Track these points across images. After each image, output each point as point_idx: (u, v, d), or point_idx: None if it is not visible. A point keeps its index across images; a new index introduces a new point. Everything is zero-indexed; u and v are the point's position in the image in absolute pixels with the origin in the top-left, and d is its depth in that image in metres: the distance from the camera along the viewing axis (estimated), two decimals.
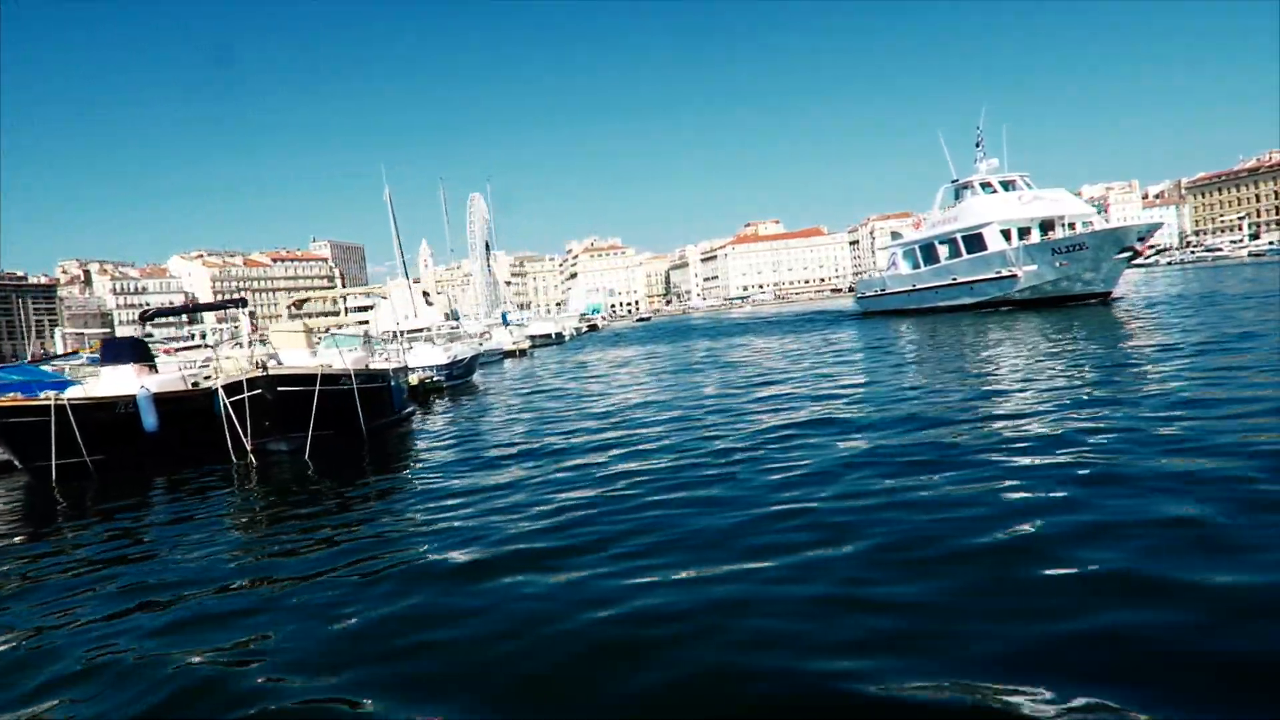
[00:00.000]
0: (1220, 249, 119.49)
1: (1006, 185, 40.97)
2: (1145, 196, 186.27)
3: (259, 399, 12.89)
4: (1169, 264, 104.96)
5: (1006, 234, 38.36)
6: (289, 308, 28.63)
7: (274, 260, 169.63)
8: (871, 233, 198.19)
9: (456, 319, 63.86)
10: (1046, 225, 37.84)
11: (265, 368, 13.17)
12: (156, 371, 16.68)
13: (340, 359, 14.94)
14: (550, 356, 43.00)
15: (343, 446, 13.53)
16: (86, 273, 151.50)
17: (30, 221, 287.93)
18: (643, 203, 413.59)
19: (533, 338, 61.24)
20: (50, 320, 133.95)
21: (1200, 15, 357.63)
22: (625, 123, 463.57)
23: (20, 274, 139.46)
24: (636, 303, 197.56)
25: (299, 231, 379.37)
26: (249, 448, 12.88)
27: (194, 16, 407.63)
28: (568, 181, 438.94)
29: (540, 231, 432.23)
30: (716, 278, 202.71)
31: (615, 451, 10.70)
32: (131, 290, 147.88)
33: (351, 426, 14.04)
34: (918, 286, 45.98)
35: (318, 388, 13.07)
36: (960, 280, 41.07)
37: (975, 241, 39.80)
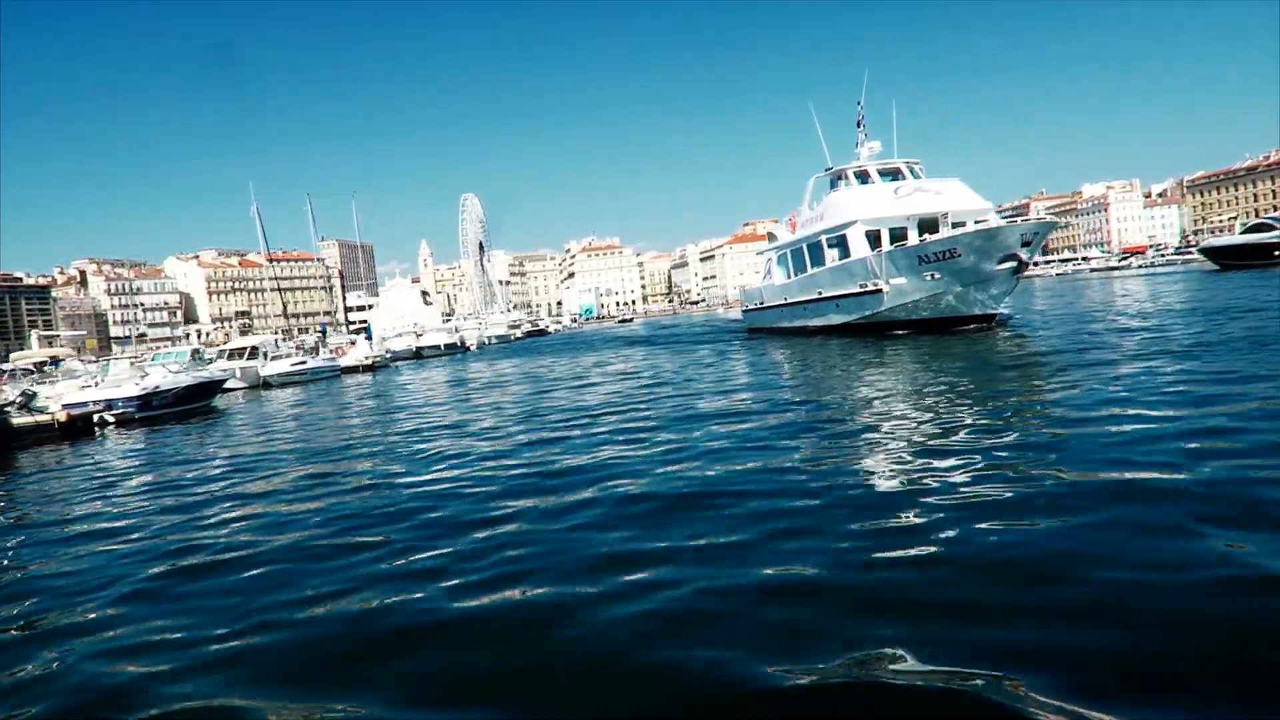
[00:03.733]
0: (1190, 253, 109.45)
1: (887, 175, 32.00)
2: (1148, 195, 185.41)
3: None
4: (1140, 267, 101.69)
5: (874, 237, 29.68)
6: None
7: (270, 261, 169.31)
8: None
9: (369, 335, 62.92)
10: (927, 226, 28.63)
11: None
12: None
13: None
14: (415, 372, 38.64)
15: None
16: (82, 273, 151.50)
17: (32, 223, 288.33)
18: (650, 202, 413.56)
19: (420, 349, 57.97)
20: (45, 321, 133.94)
21: (1207, 13, 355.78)
22: (628, 122, 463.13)
23: (17, 275, 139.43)
24: (633, 302, 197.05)
25: (305, 231, 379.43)
26: None
27: (194, 16, 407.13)
28: (572, 180, 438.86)
29: (544, 230, 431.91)
30: (715, 277, 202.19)
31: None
32: (126, 291, 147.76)
33: None
34: (789, 300, 37.31)
35: None
36: (826, 294, 32.68)
37: (840, 246, 31.60)
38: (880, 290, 28.32)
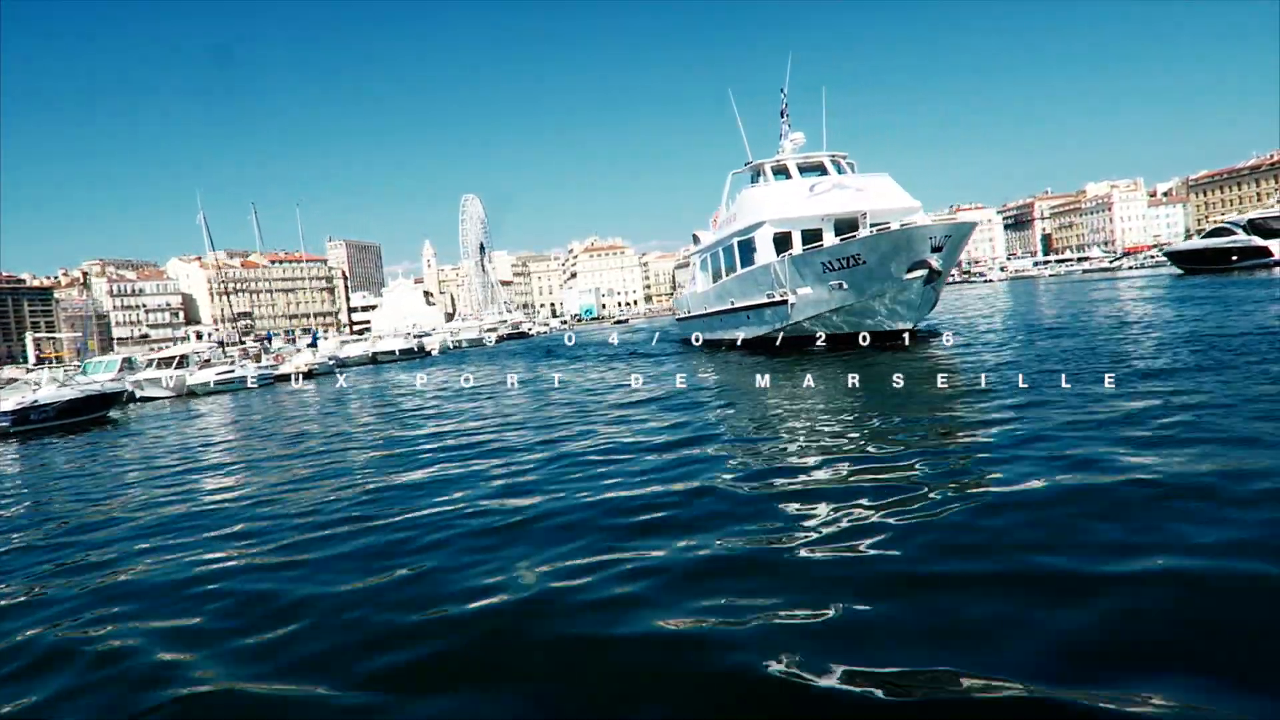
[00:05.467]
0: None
1: (810, 170, 28.48)
2: (1153, 194, 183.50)
3: None
4: (1131, 269, 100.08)
5: (784, 240, 26.25)
6: None
7: (272, 262, 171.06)
8: None
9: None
10: (845, 227, 25.19)
11: None
12: None
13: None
14: (347, 381, 35.69)
15: None
16: (85, 275, 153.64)
17: (40, 226, 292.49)
18: (654, 201, 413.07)
19: (376, 355, 58.47)
20: (47, 323, 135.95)
21: (1214, 11, 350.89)
22: (631, 122, 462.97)
23: (20, 277, 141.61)
24: (635, 302, 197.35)
25: (313, 232, 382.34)
26: None
27: (197, 16, 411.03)
28: (576, 180, 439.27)
29: (549, 230, 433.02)
30: None
31: None
32: (128, 292, 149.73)
33: None
34: (708, 310, 33.36)
35: None
36: (738, 305, 29.23)
37: (748, 250, 28.20)
38: (787, 301, 25.00)
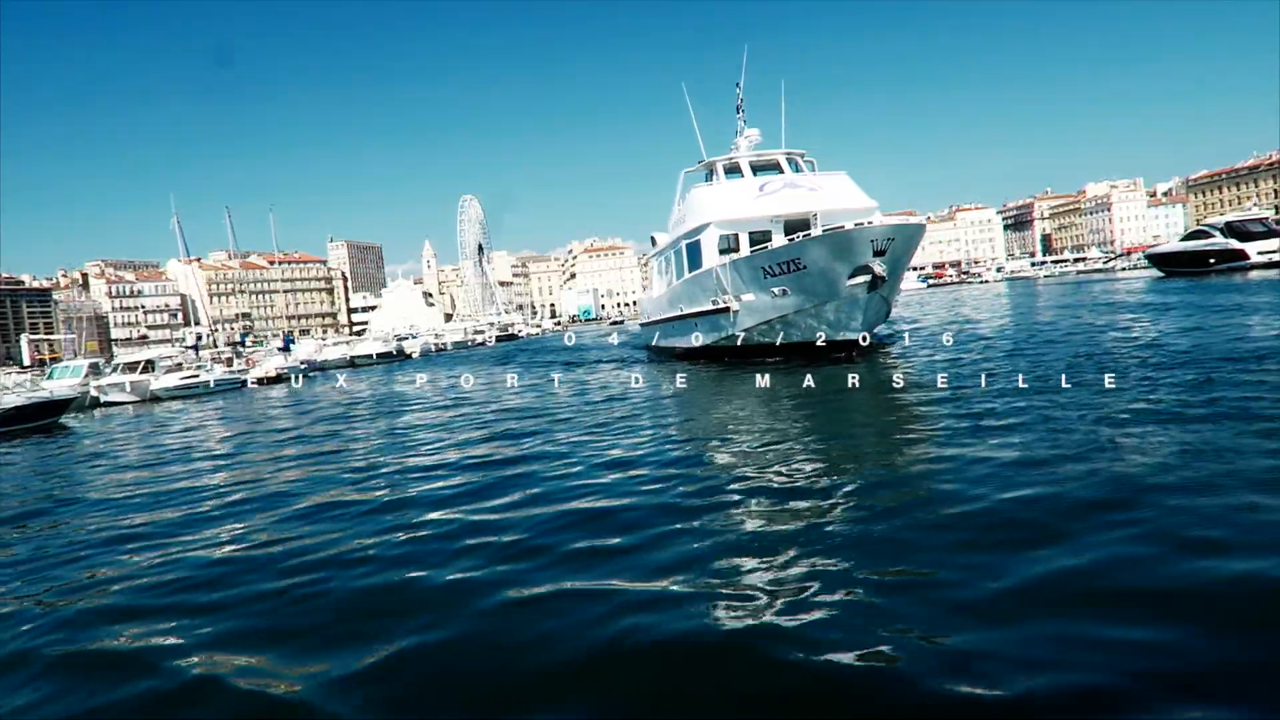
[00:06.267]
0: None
1: (764, 168, 26.77)
2: (1153, 194, 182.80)
3: None
4: (1123, 270, 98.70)
5: (731, 242, 24.72)
6: None
7: (271, 263, 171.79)
8: None
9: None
10: (796, 229, 23.23)
11: None
12: None
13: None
14: (311, 385, 37.04)
15: None
16: (84, 275, 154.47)
17: (41, 228, 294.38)
18: (654, 201, 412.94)
19: (354, 359, 58.90)
20: (45, 324, 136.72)
21: (1216, 10, 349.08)
22: (634, 120, 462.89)
23: (19, 278, 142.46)
24: (634, 303, 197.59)
25: (315, 232, 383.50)
26: None
27: (198, 17, 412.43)
28: (578, 179, 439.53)
29: (549, 230, 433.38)
30: None
31: None
32: (127, 294, 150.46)
33: None
34: (663, 316, 31.41)
35: None
36: (686, 312, 27.43)
37: (694, 253, 26.61)
38: (731, 309, 23.40)
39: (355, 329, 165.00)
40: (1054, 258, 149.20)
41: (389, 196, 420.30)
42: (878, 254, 19.23)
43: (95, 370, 33.94)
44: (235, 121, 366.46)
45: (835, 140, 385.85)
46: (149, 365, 35.95)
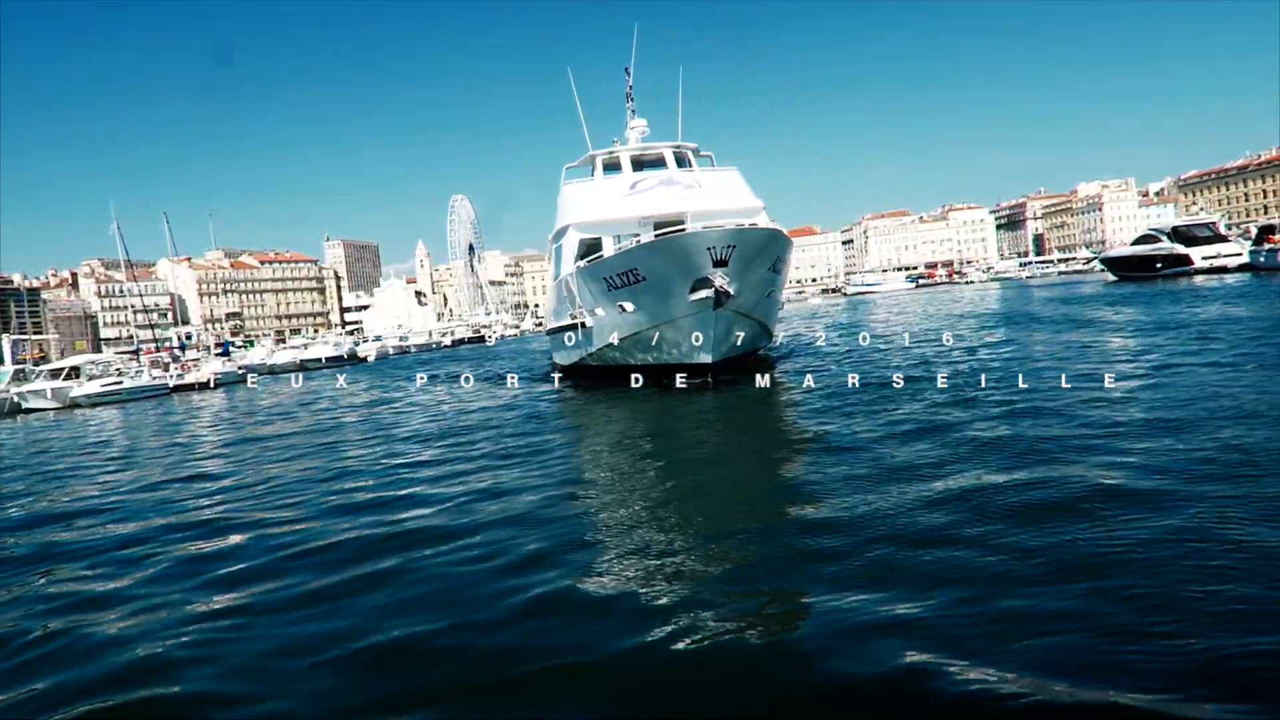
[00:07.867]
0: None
1: (647, 164, 23.54)
2: (1144, 194, 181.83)
3: None
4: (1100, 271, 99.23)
5: (595, 249, 20.78)
6: None
7: (261, 263, 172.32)
8: (865, 232, 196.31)
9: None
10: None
11: None
12: None
13: None
14: (239, 392, 37.20)
15: None
16: (74, 275, 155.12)
17: (37, 228, 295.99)
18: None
19: (304, 362, 60.63)
20: (35, 324, 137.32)
21: (1210, 10, 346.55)
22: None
23: (9, 277, 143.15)
24: None
25: (312, 231, 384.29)
26: None
27: (196, 17, 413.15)
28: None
29: (548, 230, 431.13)
30: None
31: None
32: (117, 293, 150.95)
33: None
34: (550, 327, 28.45)
35: None
36: (554, 325, 25.18)
37: (558, 260, 24.34)
38: (584, 323, 20.41)
39: (349, 328, 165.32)
40: (1041, 259, 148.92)
41: (387, 196, 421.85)
42: (718, 264, 16.06)
43: (21, 377, 34.12)
44: (235, 121, 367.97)
45: (836, 140, 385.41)
46: (74, 371, 36.08)
